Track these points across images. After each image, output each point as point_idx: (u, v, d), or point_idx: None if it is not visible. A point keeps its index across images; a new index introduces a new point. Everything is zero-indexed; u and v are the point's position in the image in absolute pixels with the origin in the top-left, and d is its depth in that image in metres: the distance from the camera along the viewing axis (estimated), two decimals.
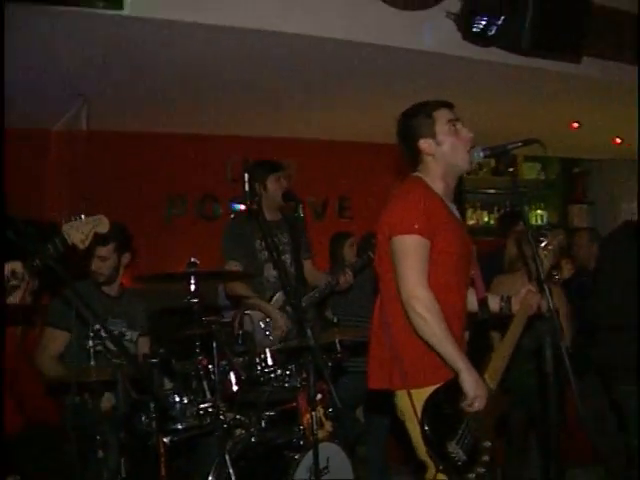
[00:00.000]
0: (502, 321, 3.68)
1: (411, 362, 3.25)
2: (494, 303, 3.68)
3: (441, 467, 3.18)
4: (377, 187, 7.88)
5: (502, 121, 6.94)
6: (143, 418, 3.84)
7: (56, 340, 4.66)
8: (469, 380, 3.16)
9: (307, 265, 5.38)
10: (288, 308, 5.02)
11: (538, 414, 5.01)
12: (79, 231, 3.24)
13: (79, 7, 4.39)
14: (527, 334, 4.45)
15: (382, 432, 5.86)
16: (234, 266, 4.92)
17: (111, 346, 3.77)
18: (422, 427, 3.15)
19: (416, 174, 3.49)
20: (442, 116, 3.44)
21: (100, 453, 3.93)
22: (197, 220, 7.45)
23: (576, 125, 7.76)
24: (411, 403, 3.21)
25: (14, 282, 2.99)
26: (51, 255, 2.95)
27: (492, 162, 9.18)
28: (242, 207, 7.39)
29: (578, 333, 5.19)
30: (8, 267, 3.01)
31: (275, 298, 5.05)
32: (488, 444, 3.31)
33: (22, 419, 5.13)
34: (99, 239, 4.60)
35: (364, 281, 5.63)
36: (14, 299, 3.04)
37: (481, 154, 3.46)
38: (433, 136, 3.41)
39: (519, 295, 3.66)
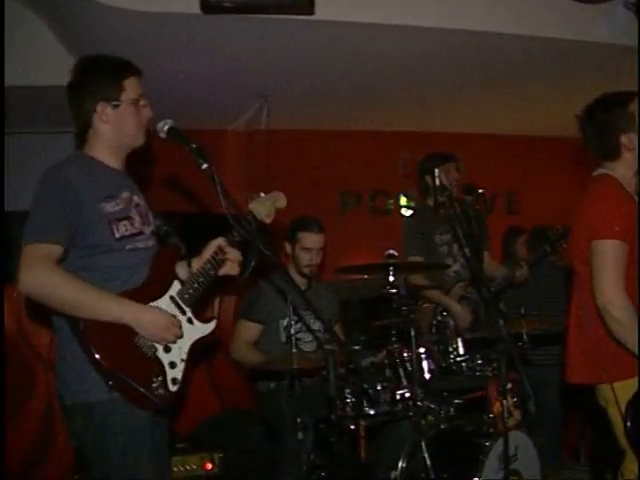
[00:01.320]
0: None
1: (613, 356, 3.28)
2: None
3: None
4: (545, 182, 7.87)
5: None
6: (338, 402, 4.00)
7: (249, 331, 4.94)
8: None
9: (485, 257, 5.45)
10: (465, 301, 5.13)
11: None
12: (264, 206, 3.40)
13: (274, 15, 4.62)
14: None
15: (555, 424, 5.89)
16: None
17: (322, 334, 3.96)
18: (625, 424, 3.21)
19: (605, 171, 3.48)
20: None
21: (300, 435, 4.13)
22: (369, 215, 7.60)
23: None
24: (614, 397, 3.26)
25: (221, 256, 3.24)
26: (248, 229, 3.17)
27: None
28: (404, 198, 7.58)
29: None
30: (215, 243, 3.26)
31: (454, 291, 5.16)
32: None
33: (219, 403, 5.48)
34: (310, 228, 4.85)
35: (540, 275, 5.66)
36: (225, 270, 3.29)
37: None
38: (635, 130, 3.38)
39: None
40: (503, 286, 5.37)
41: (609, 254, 3.27)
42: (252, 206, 3.36)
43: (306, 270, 4.96)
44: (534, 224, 6.41)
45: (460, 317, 4.95)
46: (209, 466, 4.66)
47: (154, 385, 2.91)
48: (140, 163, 3.37)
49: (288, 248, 5.01)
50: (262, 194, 3.46)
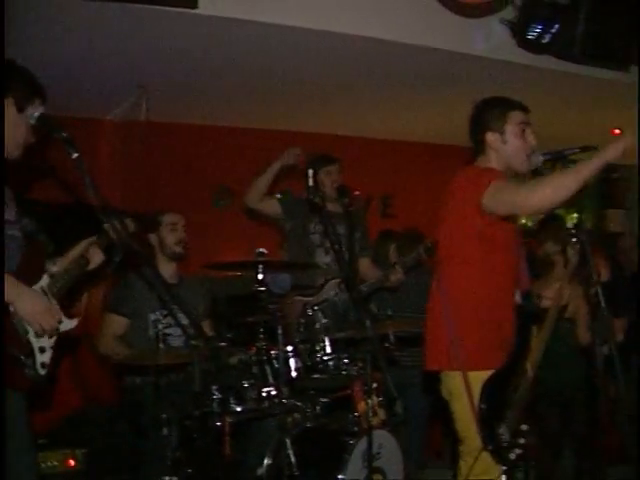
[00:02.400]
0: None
1: (472, 345, 3.42)
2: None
3: (490, 447, 3.37)
4: (420, 186, 8.02)
5: (549, 126, 7.04)
6: (204, 398, 3.98)
7: (116, 324, 4.84)
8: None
9: (365, 262, 5.50)
10: (337, 298, 5.18)
11: (574, 412, 5.14)
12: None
13: (156, 6, 4.57)
14: (569, 334, 4.66)
15: (420, 424, 6.01)
16: None
17: (189, 330, 3.94)
18: (480, 408, 3.35)
19: (477, 164, 3.65)
20: (515, 117, 3.58)
21: (165, 431, 4.07)
22: (242, 212, 7.55)
23: (617, 132, 7.86)
24: (466, 384, 3.39)
25: (84, 260, 3.34)
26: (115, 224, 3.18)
27: None
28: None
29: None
30: (81, 246, 3.36)
31: (326, 288, 5.20)
32: (525, 427, 3.50)
33: (81, 398, 5.36)
34: None
35: (413, 278, 5.76)
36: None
37: (540, 158, 3.60)
38: (501, 133, 3.56)
39: (550, 290, 3.85)
40: (374, 288, 5.42)
41: (506, 184, 3.40)
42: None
43: (177, 248, 4.95)
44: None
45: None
46: (71, 463, 4.57)
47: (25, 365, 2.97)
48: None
49: (153, 239, 4.97)
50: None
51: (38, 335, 3.04)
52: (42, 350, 3.05)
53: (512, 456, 3.44)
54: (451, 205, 3.54)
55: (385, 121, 7.52)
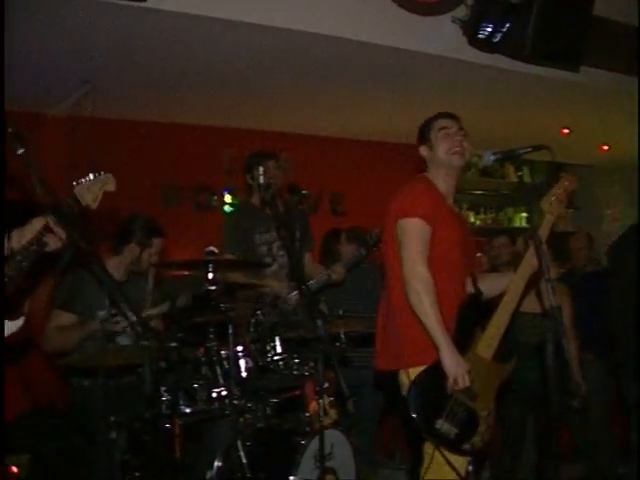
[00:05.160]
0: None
1: (410, 342, 3.49)
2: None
3: (436, 442, 3.40)
4: (370, 184, 8.02)
5: (498, 124, 7.08)
6: (154, 400, 3.90)
7: (63, 321, 4.66)
8: (448, 357, 3.37)
9: (307, 258, 5.48)
10: (287, 298, 5.13)
11: (537, 410, 5.16)
12: (90, 191, 3.27)
13: None
14: (529, 330, 4.66)
15: (372, 425, 6.00)
16: None
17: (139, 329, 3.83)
18: (408, 406, 3.40)
19: (423, 174, 3.83)
20: (437, 124, 3.80)
21: (113, 434, 3.98)
22: (192, 210, 7.48)
23: (566, 131, 7.94)
24: (409, 381, 3.45)
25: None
26: (66, 214, 3.03)
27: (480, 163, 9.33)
28: (229, 196, 7.55)
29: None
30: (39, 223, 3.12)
31: (276, 288, 5.15)
32: (485, 413, 3.48)
33: (29, 402, 5.22)
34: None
35: (360, 276, 5.75)
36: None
37: (491, 157, 3.60)
38: (427, 143, 3.80)
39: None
40: (320, 285, 5.39)
41: (413, 231, 3.54)
42: (77, 190, 3.21)
43: (144, 267, 4.84)
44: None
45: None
46: (14, 469, 4.43)
47: None
48: None
49: (135, 249, 4.86)
50: (90, 176, 3.30)
51: None
52: None
53: (467, 447, 3.43)
54: (389, 216, 3.69)
55: (337, 119, 7.48)
